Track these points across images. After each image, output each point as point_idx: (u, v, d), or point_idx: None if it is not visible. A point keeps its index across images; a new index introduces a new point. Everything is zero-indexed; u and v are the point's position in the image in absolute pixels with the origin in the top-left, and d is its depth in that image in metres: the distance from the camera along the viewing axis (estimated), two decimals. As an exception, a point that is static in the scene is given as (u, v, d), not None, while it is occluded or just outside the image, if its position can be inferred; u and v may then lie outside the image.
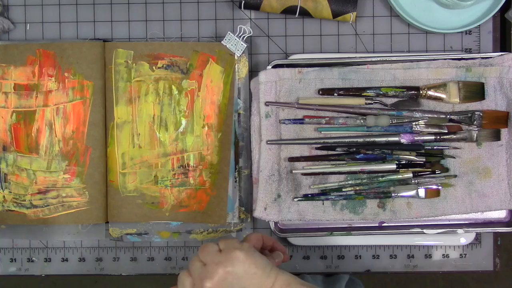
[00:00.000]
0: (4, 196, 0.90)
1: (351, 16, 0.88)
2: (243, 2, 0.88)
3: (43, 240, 0.93)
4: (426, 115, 0.86)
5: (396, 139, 0.86)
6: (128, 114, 0.89)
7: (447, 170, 0.87)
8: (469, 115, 0.86)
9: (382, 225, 0.90)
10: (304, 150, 0.88)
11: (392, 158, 0.86)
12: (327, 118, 0.86)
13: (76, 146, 0.89)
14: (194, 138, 0.89)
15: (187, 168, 0.89)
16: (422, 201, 0.87)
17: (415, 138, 0.86)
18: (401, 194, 0.86)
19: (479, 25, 0.89)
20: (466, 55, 0.87)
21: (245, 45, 0.88)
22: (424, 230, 0.88)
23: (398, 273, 0.95)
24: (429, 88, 0.86)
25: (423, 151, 0.86)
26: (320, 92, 0.87)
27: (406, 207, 0.87)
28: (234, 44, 0.88)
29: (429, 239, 0.91)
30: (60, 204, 0.90)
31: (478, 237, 0.92)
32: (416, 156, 0.86)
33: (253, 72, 0.90)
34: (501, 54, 0.86)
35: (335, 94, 0.86)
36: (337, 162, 0.87)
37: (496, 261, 0.93)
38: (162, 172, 0.89)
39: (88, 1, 0.92)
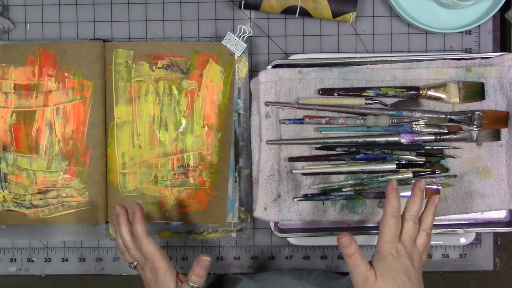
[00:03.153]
0: (4, 196, 0.90)
1: (351, 16, 0.88)
2: (243, 2, 0.88)
3: (43, 240, 0.93)
4: (426, 115, 0.86)
5: (396, 139, 0.86)
6: (128, 114, 0.89)
7: (447, 170, 0.87)
8: (469, 115, 0.86)
9: (382, 225, 0.90)
10: (304, 150, 0.88)
11: (392, 158, 0.86)
12: (327, 118, 0.86)
13: (76, 146, 0.89)
14: (194, 138, 0.89)
15: (187, 168, 0.89)
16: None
17: (415, 138, 0.86)
18: (401, 194, 0.86)
19: (479, 25, 0.89)
20: (466, 55, 0.87)
21: (245, 45, 0.88)
22: (424, 230, 0.88)
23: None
24: (429, 88, 0.86)
25: (423, 151, 0.86)
26: (320, 92, 0.86)
27: (406, 207, 0.87)
28: (234, 44, 0.88)
29: (429, 239, 0.91)
30: (60, 204, 0.89)
31: (478, 237, 0.92)
32: (416, 156, 0.86)
33: (253, 72, 0.90)
34: (501, 54, 0.86)
35: (335, 94, 0.86)
36: (337, 162, 0.87)
37: (496, 261, 0.93)
38: (162, 172, 0.89)
39: (88, 1, 0.91)
